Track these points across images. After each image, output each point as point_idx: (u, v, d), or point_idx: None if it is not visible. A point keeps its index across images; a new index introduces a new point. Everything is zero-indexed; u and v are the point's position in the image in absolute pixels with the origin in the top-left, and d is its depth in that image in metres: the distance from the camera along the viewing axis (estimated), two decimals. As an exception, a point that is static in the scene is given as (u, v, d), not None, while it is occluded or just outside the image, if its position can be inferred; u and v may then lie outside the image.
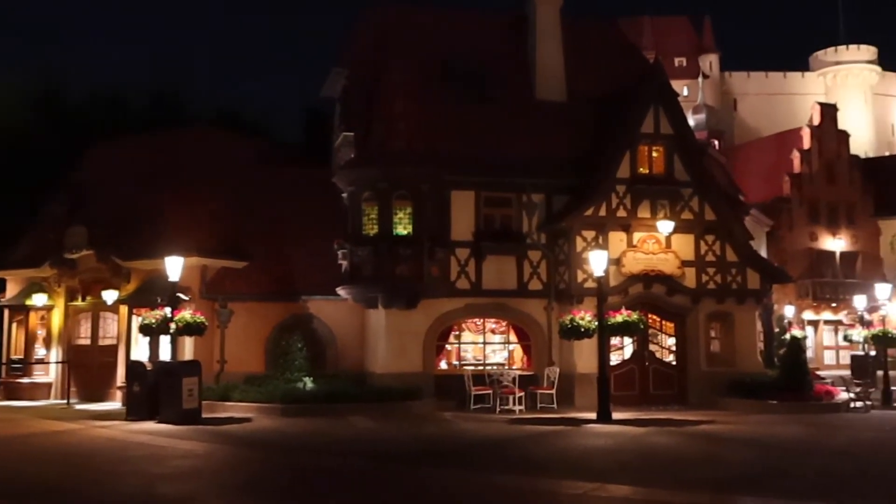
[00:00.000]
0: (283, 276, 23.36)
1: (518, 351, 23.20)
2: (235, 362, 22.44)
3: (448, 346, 22.84)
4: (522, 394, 20.59)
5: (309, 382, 20.42)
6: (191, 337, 20.04)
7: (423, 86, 23.35)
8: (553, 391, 21.03)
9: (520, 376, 21.14)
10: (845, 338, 33.93)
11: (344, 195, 22.50)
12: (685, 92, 72.22)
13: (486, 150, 22.76)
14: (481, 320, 22.94)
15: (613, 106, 23.71)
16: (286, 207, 24.64)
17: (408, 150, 21.77)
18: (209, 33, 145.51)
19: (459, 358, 22.90)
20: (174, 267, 18.68)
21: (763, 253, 34.96)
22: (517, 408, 20.21)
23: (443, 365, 22.62)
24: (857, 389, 21.97)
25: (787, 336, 28.03)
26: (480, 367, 22.34)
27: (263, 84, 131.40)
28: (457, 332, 22.87)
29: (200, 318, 19.18)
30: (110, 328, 24.23)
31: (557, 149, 23.28)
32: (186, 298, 20.87)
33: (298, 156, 29.95)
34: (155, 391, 17.97)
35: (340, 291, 22.19)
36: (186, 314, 18.98)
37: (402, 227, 21.31)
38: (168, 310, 18.88)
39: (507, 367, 22.38)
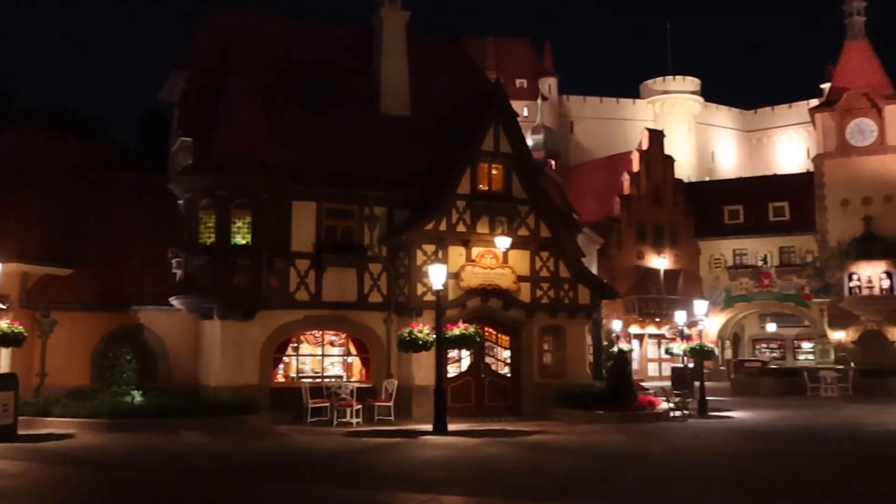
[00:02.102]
0: (113, 285, 22.34)
1: (357, 363, 23.18)
2: (58, 375, 21.26)
3: (286, 359, 22.52)
4: (360, 406, 20.57)
5: (138, 396, 19.56)
6: (7, 348, 18.83)
7: (267, 93, 23.03)
8: (391, 403, 21.14)
9: (358, 389, 21.11)
10: (667, 351, 36.05)
11: (180, 202, 21.80)
12: (525, 112, 74.71)
13: (329, 161, 22.69)
14: (320, 332, 22.77)
15: (456, 123, 24.22)
16: (118, 213, 23.62)
17: (249, 158, 21.34)
18: (40, 29, 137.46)
19: (297, 370, 22.62)
20: (-10, 273, 17.50)
21: (594, 270, 36.57)
22: (355, 420, 20.17)
23: (280, 378, 22.27)
24: (676, 399, 23.32)
25: (615, 349, 29.46)
26: (318, 380, 22.14)
27: (98, 83, 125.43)
28: (295, 345, 22.59)
29: (19, 328, 18.07)
30: (-85, 338, 22.30)
31: (400, 163, 23.51)
32: (3, 307, 19.57)
33: (133, 159, 28.77)
34: (-36, 406, 16.68)
35: (174, 301, 21.45)
36: (3, 324, 17.83)
37: (241, 237, 20.87)
38: (-18, 319, 17.65)
39: (345, 380, 22.30)
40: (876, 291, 43.52)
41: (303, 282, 22.02)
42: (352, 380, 22.49)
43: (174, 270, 21.35)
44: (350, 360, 23.20)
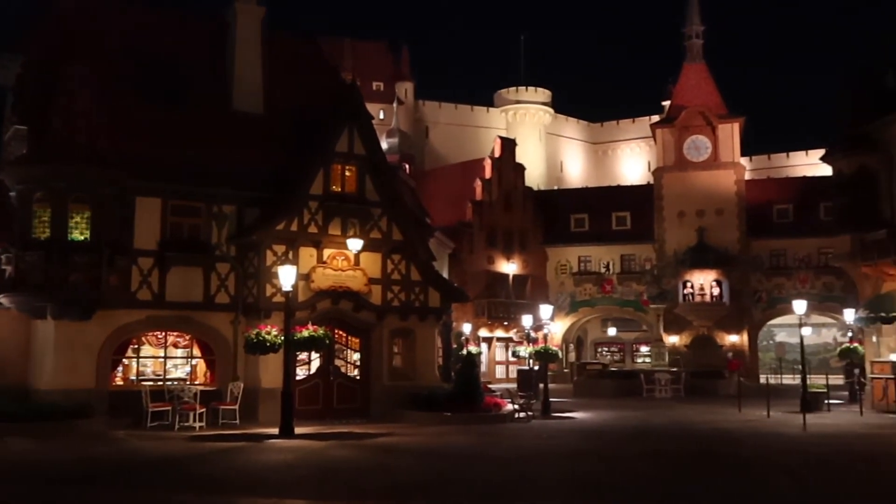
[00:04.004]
0: (-68, 281, 20.73)
1: (201, 365, 22.51)
2: None
3: (125, 361, 21.60)
4: (204, 410, 20.00)
5: (-43, 401, 18.26)
6: None
7: (113, 83, 22.04)
8: (236, 407, 20.65)
9: (202, 392, 20.50)
10: (513, 353, 37.00)
11: (12, 194, 20.52)
12: (381, 116, 74.87)
13: (176, 156, 21.91)
14: (163, 333, 21.96)
15: (310, 123, 23.96)
16: (-60, 203, 21.93)
17: (89, 150, 20.31)
18: None
19: (138, 373, 21.74)
20: None
21: (445, 273, 37.05)
22: (198, 424, 19.60)
23: (119, 381, 21.34)
24: (521, 401, 23.95)
25: (464, 352, 29.95)
26: (160, 383, 21.35)
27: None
28: (136, 346, 21.70)
29: None
30: None
31: (252, 161, 23.00)
32: None
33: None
34: None
35: (2, 299, 20.18)
36: None
37: (79, 232, 19.88)
38: None
39: (188, 383, 21.62)
40: (707, 298, 46.23)
41: (145, 281, 21.20)
42: (196, 382, 21.82)
43: (3, 266, 20.13)
44: (194, 362, 22.51)
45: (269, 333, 19.74)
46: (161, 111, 22.56)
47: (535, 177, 71.93)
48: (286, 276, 19.09)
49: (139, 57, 23.19)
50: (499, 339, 48.49)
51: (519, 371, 36.89)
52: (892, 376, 24.98)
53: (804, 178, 56.23)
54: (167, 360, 22.12)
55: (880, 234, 26.02)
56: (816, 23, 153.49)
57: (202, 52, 24.89)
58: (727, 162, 48.29)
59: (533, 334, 32.03)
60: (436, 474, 13.61)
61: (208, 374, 22.36)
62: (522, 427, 21.66)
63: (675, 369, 38.63)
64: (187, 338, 22.31)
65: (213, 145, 22.83)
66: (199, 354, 22.45)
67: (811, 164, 72.56)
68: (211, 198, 22.22)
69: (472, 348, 33.92)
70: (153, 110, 22.45)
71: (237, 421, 20.40)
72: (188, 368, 22.45)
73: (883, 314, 25.70)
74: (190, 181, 21.82)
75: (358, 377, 23.49)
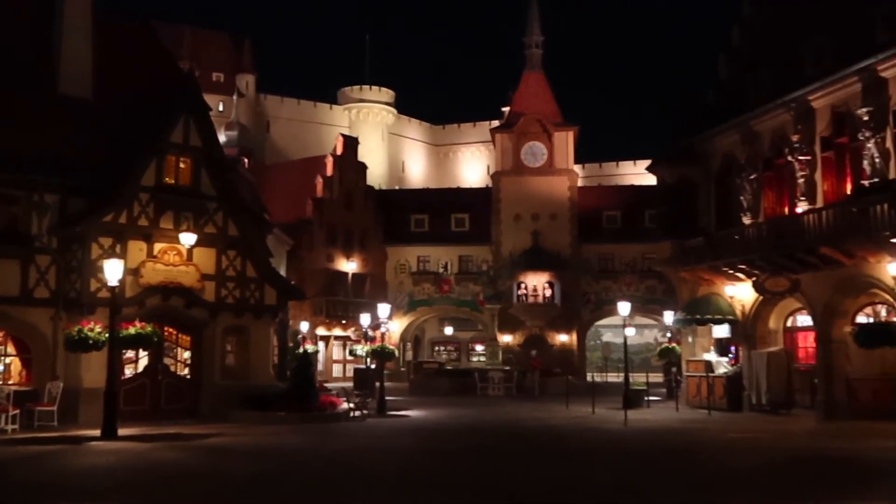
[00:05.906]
0: None
1: (17, 364, 21.14)
2: None
3: (-72, 359, 20.00)
4: (18, 411, 18.78)
5: None
6: None
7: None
8: (54, 408, 19.53)
9: (16, 392, 19.25)
10: (351, 352, 36.90)
11: None
12: (220, 108, 72.89)
13: (-8, 140, 20.50)
14: (-26, 330, 20.50)
15: (143, 111, 22.98)
16: None
17: None
18: None
19: (-58, 372, 20.18)
20: None
21: (283, 271, 36.51)
22: (10, 427, 18.37)
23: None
24: (357, 400, 23.96)
25: (301, 350, 29.60)
26: (-32, 383, 19.90)
27: None
28: (-59, 343, 20.14)
29: None
30: None
31: (78, 148, 21.81)
32: None
33: None
34: None
35: None
36: None
37: None
38: None
39: (1, 383, 20.23)
40: (540, 299, 47.85)
41: (-46, 273, 19.71)
42: (9, 382, 20.46)
43: None
44: (8, 360, 21.10)
45: (92, 330, 18.82)
46: (-24, 91, 21.02)
47: (376, 176, 72.14)
48: (112, 271, 18.22)
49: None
50: (337, 338, 48.28)
51: (356, 370, 36.83)
52: (705, 374, 26.74)
53: (632, 186, 59.23)
54: (-23, 359, 20.64)
55: (698, 241, 27.74)
56: (647, 41, 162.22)
57: (24, 30, 23.35)
58: (561, 168, 50.14)
59: (371, 333, 32.08)
60: (265, 475, 13.37)
61: (24, 373, 21.04)
62: (357, 426, 21.66)
63: (507, 368, 39.70)
64: (1, 335, 20.89)
65: (36, 130, 21.46)
66: (14, 352, 21.08)
67: (639, 173, 76.54)
68: (31, 185, 20.91)
69: (309, 347, 33.56)
70: (-33, 90, 20.90)
71: (55, 423, 19.30)
72: (1, 367, 21.01)
73: (698, 316, 27.43)
74: (7, 167, 20.44)
75: (188, 376, 22.78)
